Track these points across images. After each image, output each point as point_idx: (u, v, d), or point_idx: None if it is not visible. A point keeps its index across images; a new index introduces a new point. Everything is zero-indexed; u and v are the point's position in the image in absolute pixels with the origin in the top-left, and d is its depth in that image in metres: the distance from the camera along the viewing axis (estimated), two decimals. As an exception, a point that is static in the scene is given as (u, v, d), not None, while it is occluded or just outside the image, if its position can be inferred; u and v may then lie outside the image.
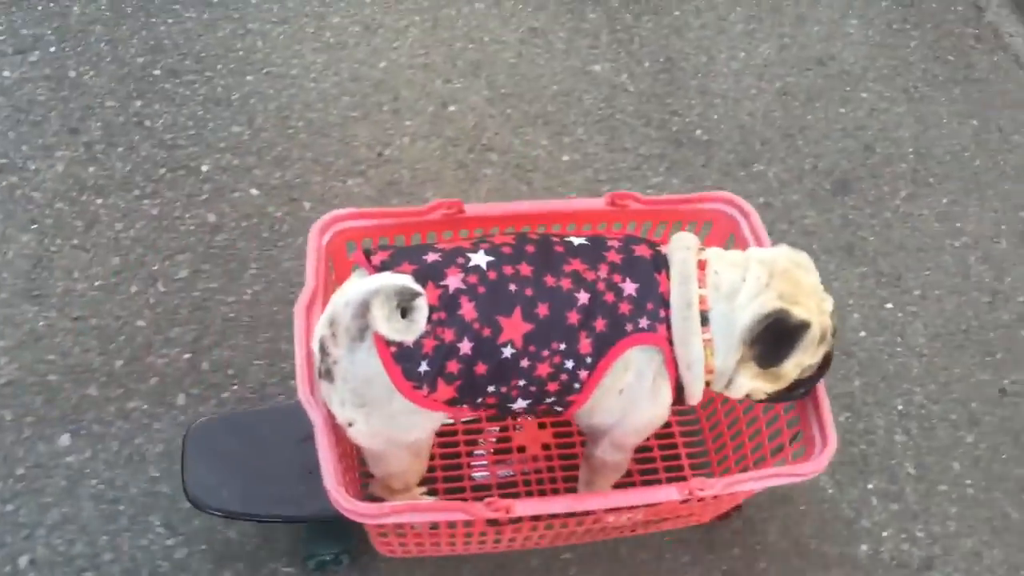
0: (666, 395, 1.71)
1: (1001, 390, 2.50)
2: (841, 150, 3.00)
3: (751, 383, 1.69)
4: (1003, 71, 3.30)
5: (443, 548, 1.96)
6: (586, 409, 1.71)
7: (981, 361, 2.55)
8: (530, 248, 1.68)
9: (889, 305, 2.64)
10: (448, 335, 1.56)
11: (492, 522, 1.71)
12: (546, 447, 2.17)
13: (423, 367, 1.55)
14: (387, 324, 1.50)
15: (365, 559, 2.06)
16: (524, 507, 1.64)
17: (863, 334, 2.57)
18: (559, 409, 1.72)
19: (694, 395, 1.72)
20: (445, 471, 2.11)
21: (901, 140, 3.05)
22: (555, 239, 1.73)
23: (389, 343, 1.54)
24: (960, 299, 2.67)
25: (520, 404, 1.68)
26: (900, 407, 2.44)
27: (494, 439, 2.19)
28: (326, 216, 1.89)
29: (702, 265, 1.68)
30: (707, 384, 1.71)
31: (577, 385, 1.65)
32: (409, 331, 1.53)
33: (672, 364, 1.67)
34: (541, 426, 2.21)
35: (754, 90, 3.14)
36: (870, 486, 2.29)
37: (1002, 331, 2.61)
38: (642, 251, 1.71)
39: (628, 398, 1.69)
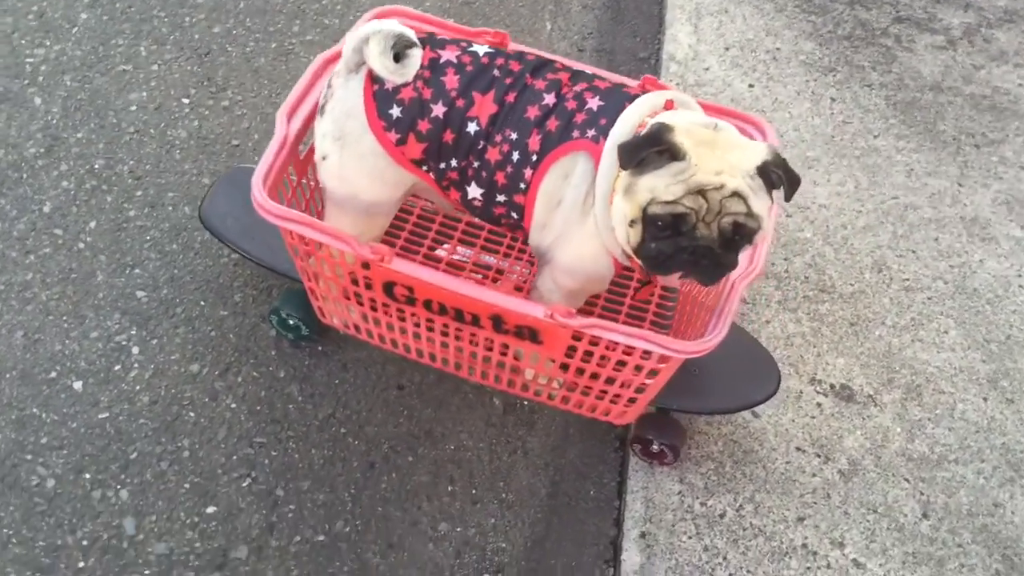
0: (591, 225, 1.66)
1: None
2: None
3: None
4: None
5: (363, 331, 2.03)
6: (536, 223, 1.72)
7: None
8: (530, 57, 1.74)
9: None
10: (426, 93, 1.67)
11: (388, 292, 1.75)
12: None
13: (396, 112, 1.67)
14: (378, 59, 1.65)
15: (319, 339, 2.23)
16: (400, 263, 1.68)
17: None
18: (515, 216, 1.74)
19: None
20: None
21: None
22: (561, 62, 1.76)
23: (375, 80, 1.67)
24: None
25: (475, 191, 1.73)
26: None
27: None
28: (384, 7, 2.00)
29: (669, 105, 1.62)
30: None
31: (523, 185, 1.67)
32: (396, 73, 1.66)
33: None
34: (517, 289, 2.18)
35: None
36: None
37: None
38: (634, 90, 1.68)
39: (564, 215, 1.68)
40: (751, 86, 2.95)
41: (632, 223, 1.54)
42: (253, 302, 2.26)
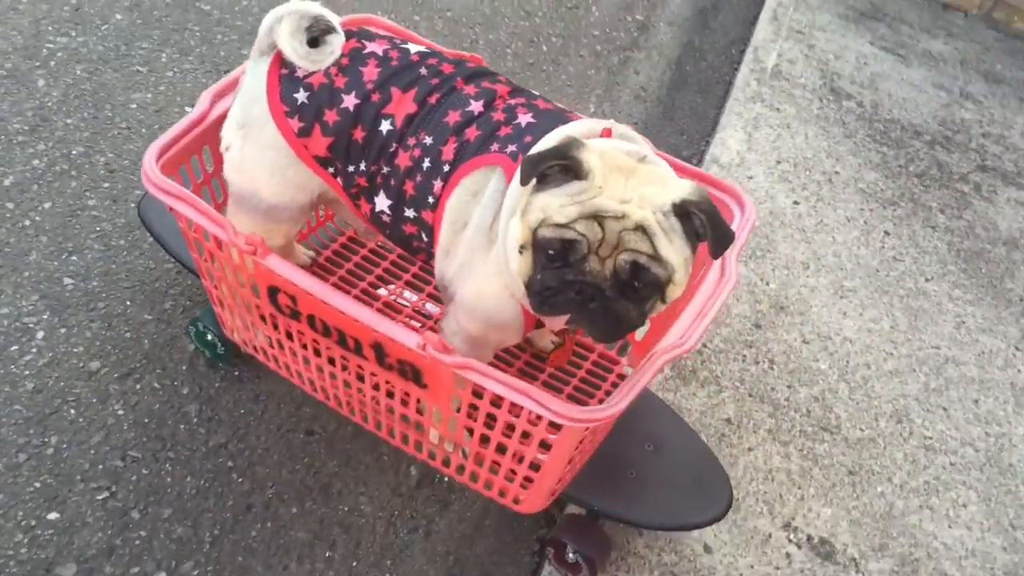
0: (496, 257, 1.41)
1: None
2: None
3: None
4: None
5: (259, 351, 1.81)
6: (441, 247, 1.50)
7: None
8: (471, 64, 1.55)
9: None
10: (339, 81, 1.49)
11: (272, 300, 1.53)
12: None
13: (301, 97, 1.49)
14: (288, 40, 1.49)
15: (240, 363, 2.01)
16: (274, 261, 1.45)
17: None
18: (425, 238, 1.52)
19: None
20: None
21: None
22: (505, 78, 1.57)
23: (284, 64, 1.50)
24: None
25: (384, 202, 1.52)
26: None
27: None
28: (358, 16, 1.83)
29: (607, 133, 1.38)
30: None
31: (431, 199, 1.46)
32: (307, 58, 1.50)
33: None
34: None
35: None
36: None
37: None
38: (575, 116, 1.46)
39: (468, 241, 1.45)
40: (796, 203, 2.68)
41: (522, 248, 1.29)
42: (183, 313, 2.07)
